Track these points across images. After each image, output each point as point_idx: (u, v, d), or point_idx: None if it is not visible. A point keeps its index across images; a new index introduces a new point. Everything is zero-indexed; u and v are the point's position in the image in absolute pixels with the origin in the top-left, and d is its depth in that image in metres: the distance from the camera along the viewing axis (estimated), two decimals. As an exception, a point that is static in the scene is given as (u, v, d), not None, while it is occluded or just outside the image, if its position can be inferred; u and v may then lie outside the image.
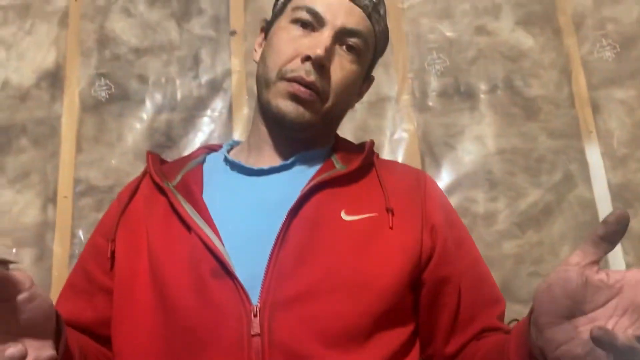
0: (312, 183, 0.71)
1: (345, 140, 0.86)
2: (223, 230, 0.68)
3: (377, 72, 1.33)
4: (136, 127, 1.31)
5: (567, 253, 1.19)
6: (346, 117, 1.29)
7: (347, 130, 1.29)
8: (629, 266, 1.19)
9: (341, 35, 0.75)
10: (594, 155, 1.26)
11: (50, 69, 1.36)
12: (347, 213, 0.70)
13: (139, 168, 1.27)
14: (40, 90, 1.34)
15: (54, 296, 1.18)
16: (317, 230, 0.67)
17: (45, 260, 1.23)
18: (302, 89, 0.72)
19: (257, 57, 0.82)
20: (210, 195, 0.73)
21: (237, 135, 1.31)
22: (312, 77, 0.72)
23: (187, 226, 0.69)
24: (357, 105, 1.30)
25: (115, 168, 1.28)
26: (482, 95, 1.30)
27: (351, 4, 0.76)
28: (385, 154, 1.28)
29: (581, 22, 1.35)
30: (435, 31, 1.36)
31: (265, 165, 0.76)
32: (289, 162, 0.76)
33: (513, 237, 1.21)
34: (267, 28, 0.83)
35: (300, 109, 0.73)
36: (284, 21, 0.77)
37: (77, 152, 1.30)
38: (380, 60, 1.33)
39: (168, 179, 0.75)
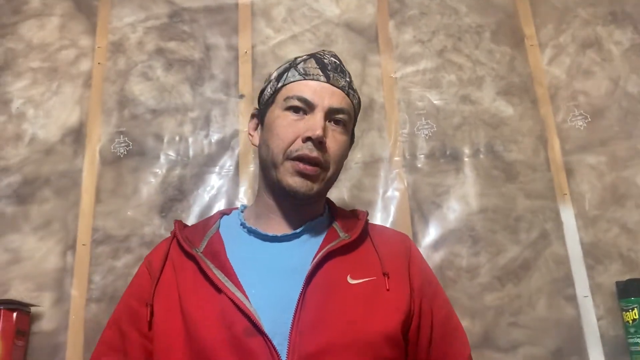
0: (322, 252, 0.82)
1: (339, 208, 0.99)
2: (249, 292, 0.78)
3: (372, 136, 1.48)
4: (151, 181, 1.43)
5: (543, 306, 1.31)
6: (343, 176, 1.43)
7: (345, 188, 1.42)
8: (599, 319, 1.30)
9: (330, 114, 0.88)
10: (567, 216, 1.38)
11: (74, 126, 1.49)
12: (352, 277, 0.82)
13: (153, 219, 1.39)
14: (64, 146, 1.47)
15: (70, 338, 1.29)
16: (329, 294, 0.79)
17: (63, 303, 1.34)
18: (308, 166, 0.84)
19: (256, 141, 0.94)
20: (233, 260, 0.83)
21: (243, 189, 1.43)
22: (315, 153, 0.85)
23: (217, 288, 0.79)
24: (353, 165, 1.44)
25: (131, 219, 1.40)
26: (466, 159, 1.43)
27: (332, 87, 0.90)
28: (378, 211, 1.40)
29: (556, 94, 1.49)
30: (424, 99, 1.50)
31: (278, 233, 0.88)
32: (299, 230, 0.88)
33: (494, 290, 1.32)
34: (259, 115, 0.95)
35: (309, 183, 0.85)
36: (277, 110, 0.89)
37: (96, 203, 1.41)
38: (375, 124, 1.49)
39: (195, 245, 0.86)
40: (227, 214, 0.98)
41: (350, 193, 1.42)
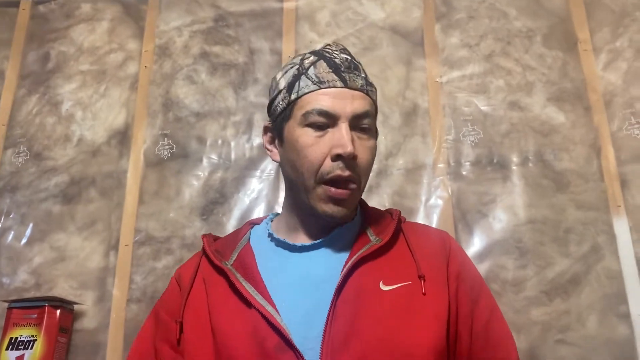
0: (352, 260, 0.78)
1: (372, 208, 0.93)
2: (279, 306, 0.76)
3: (415, 141, 1.44)
4: (193, 184, 1.44)
5: (594, 323, 1.24)
6: (385, 182, 1.39)
7: (386, 194, 1.39)
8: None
9: (354, 121, 0.80)
10: (621, 229, 1.31)
11: (119, 128, 1.52)
12: (385, 283, 0.78)
13: (194, 221, 1.40)
14: (110, 147, 1.50)
15: (112, 336, 1.30)
16: (361, 303, 0.75)
17: (105, 302, 1.36)
18: (342, 191, 0.79)
19: (276, 157, 0.88)
20: (263, 272, 0.81)
21: (283, 194, 1.41)
22: (347, 172, 0.78)
23: (247, 302, 0.76)
24: (395, 171, 1.40)
25: (172, 220, 1.41)
26: (514, 167, 1.38)
27: (351, 90, 0.81)
28: (421, 219, 1.36)
29: (611, 101, 1.42)
30: (471, 104, 1.46)
31: (306, 242, 0.84)
32: (327, 238, 0.84)
33: (541, 305, 1.27)
34: (274, 129, 0.87)
35: (344, 210, 0.81)
36: (297, 127, 0.81)
37: (139, 204, 1.43)
38: (418, 130, 1.46)
39: (224, 258, 0.84)
40: (258, 224, 0.94)
41: (391, 200, 1.39)
